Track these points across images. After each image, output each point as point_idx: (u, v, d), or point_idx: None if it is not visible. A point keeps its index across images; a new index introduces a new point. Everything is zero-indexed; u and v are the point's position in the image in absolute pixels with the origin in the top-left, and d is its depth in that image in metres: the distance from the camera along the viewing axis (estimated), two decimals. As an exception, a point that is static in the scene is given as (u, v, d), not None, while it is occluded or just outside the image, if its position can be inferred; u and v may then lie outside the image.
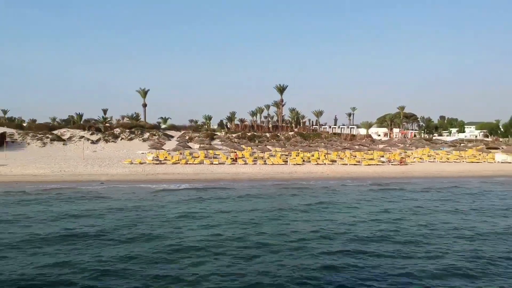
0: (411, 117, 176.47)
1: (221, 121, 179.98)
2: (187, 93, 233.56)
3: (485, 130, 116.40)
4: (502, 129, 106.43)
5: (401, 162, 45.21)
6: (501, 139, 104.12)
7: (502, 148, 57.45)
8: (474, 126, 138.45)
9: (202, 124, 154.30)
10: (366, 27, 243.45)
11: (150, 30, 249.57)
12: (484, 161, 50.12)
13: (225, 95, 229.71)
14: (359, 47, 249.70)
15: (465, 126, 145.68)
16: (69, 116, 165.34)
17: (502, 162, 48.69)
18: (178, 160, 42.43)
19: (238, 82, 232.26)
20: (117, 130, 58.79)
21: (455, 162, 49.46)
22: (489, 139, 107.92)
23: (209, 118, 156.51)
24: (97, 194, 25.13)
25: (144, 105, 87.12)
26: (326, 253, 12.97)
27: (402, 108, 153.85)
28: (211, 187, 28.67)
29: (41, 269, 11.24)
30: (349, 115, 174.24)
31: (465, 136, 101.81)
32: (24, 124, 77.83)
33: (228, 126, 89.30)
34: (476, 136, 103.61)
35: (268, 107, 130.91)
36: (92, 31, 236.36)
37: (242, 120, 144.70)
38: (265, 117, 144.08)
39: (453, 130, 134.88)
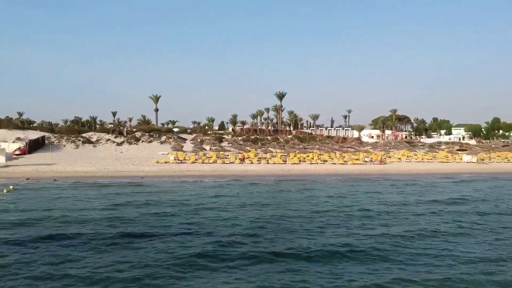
0: (404, 119, 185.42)
1: (222, 122, 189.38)
2: (187, 92, 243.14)
3: (470, 132, 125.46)
4: (484, 132, 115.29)
5: (381, 162, 54.03)
6: (483, 141, 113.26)
7: (469, 150, 66.35)
8: (463, 128, 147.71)
9: (205, 125, 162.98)
10: (366, 27, 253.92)
11: (149, 30, 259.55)
12: (453, 161, 58.98)
13: (224, 94, 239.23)
14: (359, 47, 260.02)
15: (455, 128, 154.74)
16: (75, 117, 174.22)
17: (467, 162, 57.52)
18: (196, 160, 51.17)
19: (237, 82, 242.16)
20: (137, 134, 67.57)
21: (428, 161, 58.31)
22: (473, 141, 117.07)
23: (212, 120, 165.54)
24: (144, 184, 33.86)
25: (156, 110, 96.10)
26: (303, 211, 22.00)
27: (395, 111, 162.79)
28: (227, 180, 37.40)
29: (150, 215, 20.07)
30: (345, 117, 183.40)
31: (450, 139, 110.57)
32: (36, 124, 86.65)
33: (234, 130, 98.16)
34: (459, 139, 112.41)
35: (268, 110, 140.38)
36: (91, 30, 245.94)
37: (243, 123, 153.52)
38: (265, 119, 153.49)
39: (442, 132, 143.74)
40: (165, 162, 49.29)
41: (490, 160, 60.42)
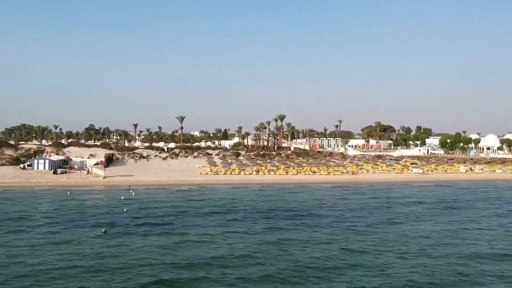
0: (388, 129, 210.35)
1: (225, 130, 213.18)
2: (188, 96, 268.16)
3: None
4: (449, 144, 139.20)
5: (353, 173, 77.63)
6: (450, 152, 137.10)
7: (421, 163, 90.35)
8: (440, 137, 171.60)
9: (213, 134, 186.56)
10: (366, 27, 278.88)
11: (149, 31, 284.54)
12: (406, 172, 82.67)
13: (225, 97, 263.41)
14: (358, 48, 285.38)
15: (434, 137, 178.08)
16: (90, 125, 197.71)
17: (415, 173, 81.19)
18: (225, 172, 74.43)
19: (236, 82, 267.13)
20: (176, 150, 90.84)
21: (387, 172, 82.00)
22: (441, 151, 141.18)
23: (219, 131, 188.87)
24: (203, 189, 57.05)
25: (181, 128, 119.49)
26: (295, 202, 45.15)
27: (378, 123, 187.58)
28: (251, 186, 60.58)
29: (220, 202, 43.36)
30: (336, 126, 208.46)
31: (420, 150, 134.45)
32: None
33: (247, 146, 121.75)
34: (428, 150, 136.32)
35: (269, 123, 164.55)
36: (88, 29, 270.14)
37: (247, 133, 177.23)
38: (264, 128, 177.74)
39: (418, 142, 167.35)
40: (205, 174, 72.51)
41: (433, 171, 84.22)
